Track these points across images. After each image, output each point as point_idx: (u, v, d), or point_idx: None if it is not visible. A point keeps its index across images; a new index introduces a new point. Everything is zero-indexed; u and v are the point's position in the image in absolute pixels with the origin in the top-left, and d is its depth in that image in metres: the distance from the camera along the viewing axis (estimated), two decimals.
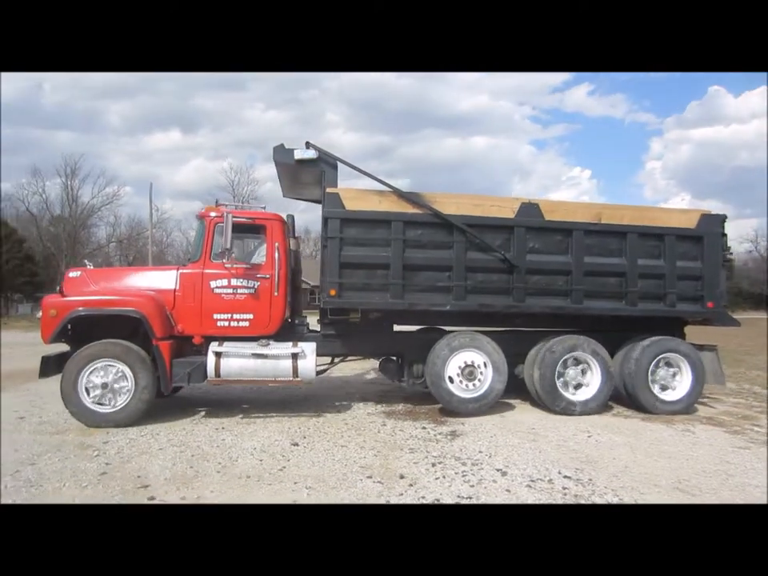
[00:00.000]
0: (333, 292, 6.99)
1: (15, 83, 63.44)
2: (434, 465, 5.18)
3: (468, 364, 7.19)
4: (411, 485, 4.63)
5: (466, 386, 7.17)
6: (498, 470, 4.99)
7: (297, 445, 5.86)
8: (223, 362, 6.80)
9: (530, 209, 7.31)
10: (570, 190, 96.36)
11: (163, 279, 7.05)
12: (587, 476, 4.83)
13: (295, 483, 4.67)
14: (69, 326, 6.64)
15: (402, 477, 4.83)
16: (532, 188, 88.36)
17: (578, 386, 7.44)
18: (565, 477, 4.80)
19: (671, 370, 7.58)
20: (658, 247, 7.55)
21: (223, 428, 6.56)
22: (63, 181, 47.11)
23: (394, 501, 4.28)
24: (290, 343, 7.05)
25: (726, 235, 7.79)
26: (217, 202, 7.64)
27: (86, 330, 6.67)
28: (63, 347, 6.87)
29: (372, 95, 70.86)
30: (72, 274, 7.20)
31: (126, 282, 7.19)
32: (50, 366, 6.67)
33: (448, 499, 4.29)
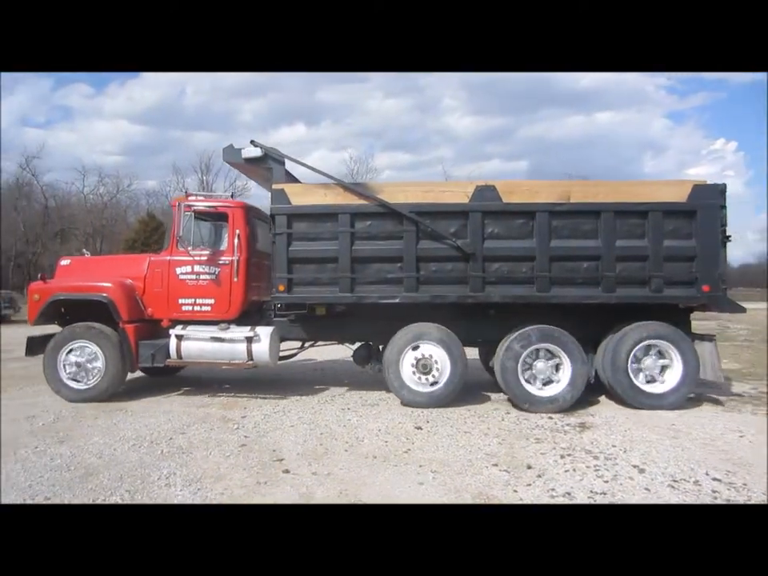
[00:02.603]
0: (282, 287, 7.05)
1: (161, 89, 69.69)
2: (562, 456, 5.00)
3: (423, 357, 6.99)
4: (539, 476, 4.51)
5: (420, 378, 6.99)
6: (634, 467, 4.69)
7: (420, 428, 5.92)
8: (184, 344, 7.25)
9: (485, 192, 6.89)
10: (712, 165, 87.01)
11: (137, 266, 7.63)
12: (740, 480, 4.38)
13: (420, 466, 4.72)
14: (62, 309, 7.50)
15: (529, 467, 4.71)
16: (667, 165, 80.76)
17: (547, 381, 6.91)
18: (714, 479, 4.39)
19: (659, 360, 6.86)
20: (641, 225, 6.79)
21: (348, 408, 6.83)
22: (199, 176, 51.09)
23: (521, 491, 4.18)
24: (248, 328, 7.30)
25: (725, 208, 6.76)
26: (186, 191, 7.93)
27: (75, 314, 7.45)
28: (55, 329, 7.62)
29: (489, 77, 68.70)
30: (63, 262, 8.07)
31: (107, 269, 7.89)
32: (35, 345, 7.48)
33: (580, 493, 4.14)
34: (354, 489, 4.23)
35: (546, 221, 6.78)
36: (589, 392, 7.10)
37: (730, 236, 6.82)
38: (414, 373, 7.00)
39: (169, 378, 8.90)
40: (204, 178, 51.87)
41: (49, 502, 4.00)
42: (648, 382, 6.87)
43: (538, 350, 6.89)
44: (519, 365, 6.82)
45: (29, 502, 4.00)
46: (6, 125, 62.49)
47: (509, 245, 6.87)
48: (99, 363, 7.19)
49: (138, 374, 8.53)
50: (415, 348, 7.02)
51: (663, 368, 6.87)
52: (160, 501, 4.02)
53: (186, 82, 70.47)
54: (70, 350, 7.22)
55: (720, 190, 6.77)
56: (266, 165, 7.40)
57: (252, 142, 7.36)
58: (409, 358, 7.02)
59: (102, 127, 65.90)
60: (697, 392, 7.39)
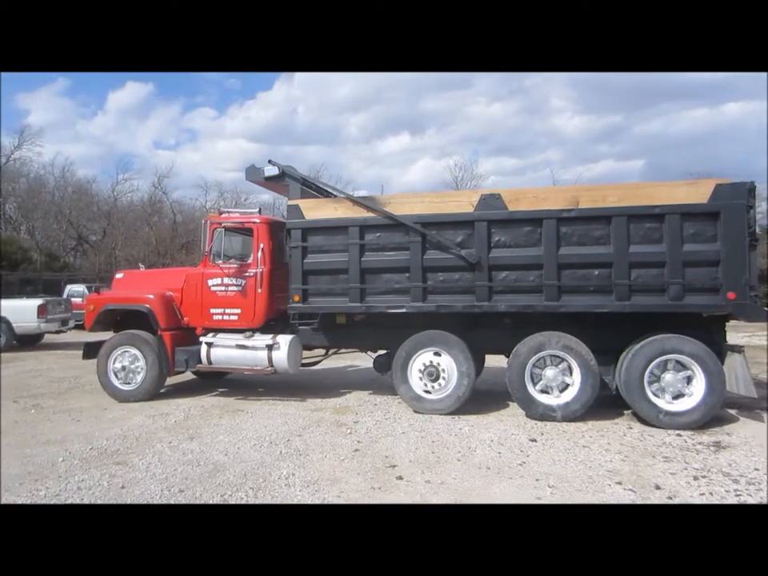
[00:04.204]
0: (297, 298, 7.41)
1: (275, 108, 73.75)
2: (696, 478, 4.61)
3: (429, 364, 7.08)
4: (670, 498, 4.20)
5: (432, 387, 7.08)
6: None
7: (535, 441, 5.74)
8: (212, 351, 7.83)
9: (490, 201, 6.82)
10: None
11: (176, 279, 8.33)
12: None
13: (537, 480, 4.58)
14: (117, 317, 8.38)
15: (657, 487, 4.40)
16: None
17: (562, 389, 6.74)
18: None
19: (681, 375, 6.39)
20: (658, 230, 6.39)
21: (459, 417, 6.73)
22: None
23: None
24: (270, 336, 7.71)
25: (752, 208, 6.18)
26: (219, 209, 8.58)
27: (128, 322, 8.26)
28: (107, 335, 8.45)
29: (600, 74, 65.15)
30: (118, 275, 9.08)
31: (153, 281, 8.65)
32: (91, 350, 8.33)
33: None
34: (468, 500, 4.18)
35: (554, 228, 6.60)
36: (613, 404, 6.95)
37: (758, 239, 6.36)
38: (420, 380, 7.11)
39: (216, 380, 9.60)
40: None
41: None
42: (665, 397, 6.42)
43: (552, 357, 6.75)
44: (527, 372, 6.74)
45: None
46: (142, 149, 68.99)
47: (515, 253, 6.77)
48: (141, 367, 7.93)
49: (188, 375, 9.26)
50: (421, 356, 7.13)
51: (683, 384, 6.40)
52: (280, 499, 4.19)
53: (298, 100, 73.96)
54: (118, 355, 8.01)
55: (748, 189, 6.21)
56: (284, 182, 7.79)
57: (270, 161, 7.80)
58: (416, 366, 7.13)
59: (223, 146, 70.66)
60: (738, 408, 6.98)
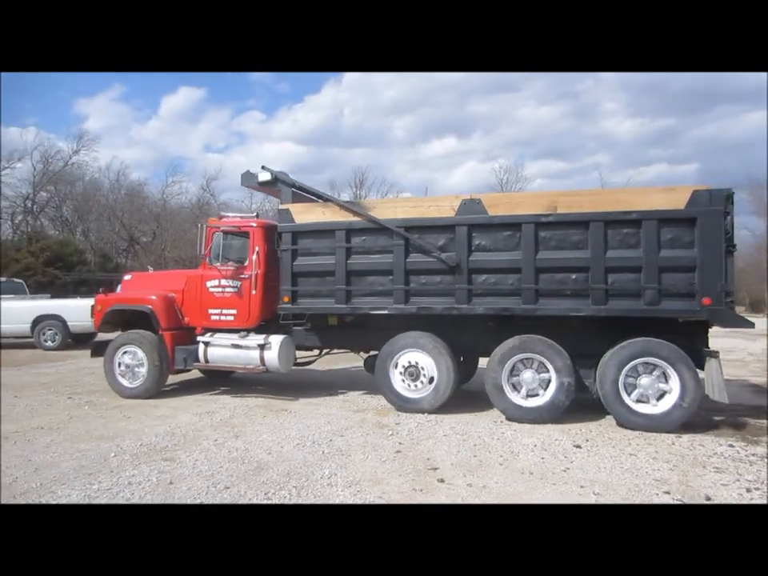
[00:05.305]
0: (286, 299, 7.71)
1: (322, 111, 74.71)
2: (749, 491, 4.45)
3: (411, 364, 7.26)
4: None
5: (409, 385, 7.28)
6: None
7: (579, 447, 5.65)
8: (209, 350, 8.17)
9: (471, 205, 6.96)
10: None
11: (178, 281, 8.67)
12: None
13: (581, 487, 4.51)
14: (125, 317, 8.71)
15: (708, 499, 4.25)
16: None
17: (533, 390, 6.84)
18: None
19: (657, 379, 6.42)
20: (635, 235, 6.41)
21: (501, 422, 6.68)
22: (354, 191, 53.51)
23: None
24: (263, 336, 7.97)
25: (729, 214, 6.15)
26: (219, 214, 8.88)
27: (135, 321, 8.62)
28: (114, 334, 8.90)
29: (653, 77, 62.99)
30: (126, 277, 9.53)
31: (157, 283, 8.99)
32: (98, 349, 8.81)
33: None
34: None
35: (532, 232, 6.69)
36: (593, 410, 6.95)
37: (735, 245, 6.30)
38: (402, 380, 7.30)
39: (224, 378, 9.90)
40: (357, 192, 54.36)
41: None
42: (640, 401, 6.45)
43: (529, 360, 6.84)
44: (504, 374, 6.84)
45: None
46: (193, 152, 71.07)
47: (495, 257, 6.87)
48: (144, 365, 8.27)
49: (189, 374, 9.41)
50: (402, 356, 7.31)
51: (659, 388, 6.41)
52: (323, 499, 4.24)
53: (345, 103, 74.72)
54: (122, 354, 8.39)
55: (725, 196, 6.18)
56: (277, 187, 8.09)
57: (263, 167, 8.09)
58: (398, 366, 7.32)
59: (271, 149, 72.09)
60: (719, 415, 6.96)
